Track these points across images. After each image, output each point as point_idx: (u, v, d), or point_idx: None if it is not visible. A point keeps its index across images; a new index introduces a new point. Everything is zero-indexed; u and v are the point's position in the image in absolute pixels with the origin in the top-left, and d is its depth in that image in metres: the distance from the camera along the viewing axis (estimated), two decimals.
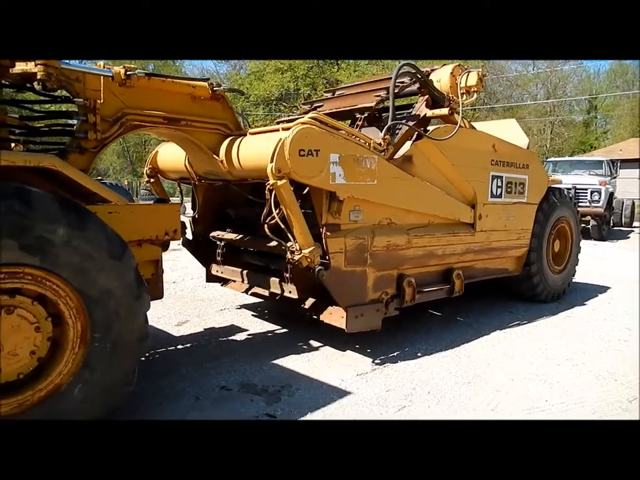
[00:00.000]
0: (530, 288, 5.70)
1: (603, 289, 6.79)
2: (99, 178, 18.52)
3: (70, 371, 2.42)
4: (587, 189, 13.41)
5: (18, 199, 2.17)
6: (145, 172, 4.75)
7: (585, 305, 5.91)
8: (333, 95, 5.55)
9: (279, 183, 3.19)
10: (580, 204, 13.03)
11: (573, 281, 6.47)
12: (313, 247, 3.39)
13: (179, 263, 7.48)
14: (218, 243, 4.65)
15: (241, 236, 4.44)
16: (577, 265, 6.42)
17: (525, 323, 5.03)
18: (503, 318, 5.20)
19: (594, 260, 9.42)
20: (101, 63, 3.32)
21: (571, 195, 6.56)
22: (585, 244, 11.55)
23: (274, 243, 3.88)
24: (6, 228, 2.13)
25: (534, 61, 39.74)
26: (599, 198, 13.37)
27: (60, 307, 2.38)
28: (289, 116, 5.54)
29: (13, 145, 3.03)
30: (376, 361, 3.85)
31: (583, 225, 13.26)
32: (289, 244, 3.47)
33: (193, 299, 5.74)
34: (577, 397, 3.32)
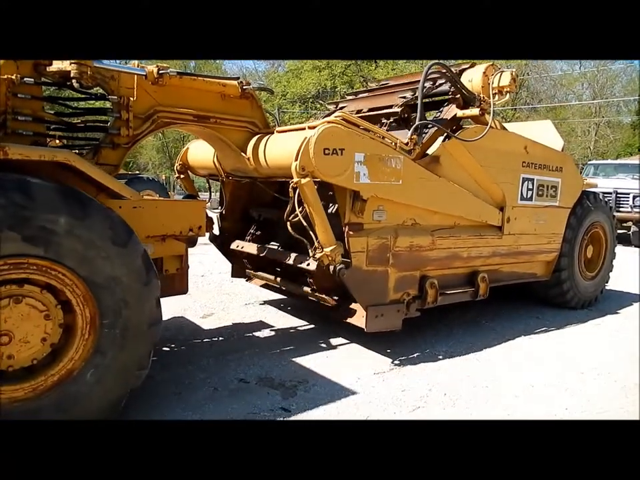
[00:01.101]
0: (560, 294, 5.57)
1: (638, 298, 6.56)
2: (138, 172, 19.04)
3: (81, 357, 2.49)
4: (628, 194, 12.91)
5: (18, 190, 2.20)
6: (175, 168, 4.89)
7: (617, 313, 5.73)
8: (356, 96, 5.55)
9: (303, 181, 3.23)
10: (621, 209, 12.61)
11: (607, 288, 6.29)
12: (334, 246, 3.42)
13: (208, 257, 7.66)
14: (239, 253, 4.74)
15: (260, 247, 4.49)
16: (611, 271, 6.23)
17: (552, 330, 4.93)
18: (528, 323, 5.10)
19: (632, 267, 9.09)
20: (135, 62, 3.45)
21: (607, 199, 6.35)
22: (625, 250, 11.23)
23: (293, 256, 3.94)
24: (7, 220, 2.16)
25: (580, 60, 38.52)
26: None
27: (67, 295, 2.44)
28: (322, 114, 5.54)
29: (48, 140, 3.18)
30: (394, 361, 3.86)
31: (623, 231, 12.90)
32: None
33: (219, 293, 5.87)
34: (599, 406, 3.25)
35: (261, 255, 4.45)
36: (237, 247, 4.72)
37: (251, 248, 4.58)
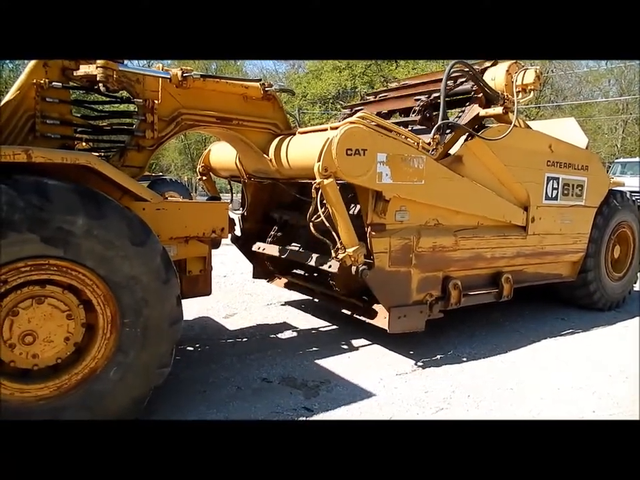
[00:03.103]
0: (586, 295, 5.46)
1: None
2: (160, 174, 19.30)
3: (104, 355, 2.53)
4: None
5: (35, 192, 2.22)
6: (197, 170, 4.95)
7: None
8: (375, 97, 5.51)
9: (326, 181, 3.23)
10: None
11: (635, 289, 6.14)
12: (357, 246, 3.41)
13: (230, 257, 7.73)
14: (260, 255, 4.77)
15: (282, 249, 4.51)
16: (639, 271, 6.08)
17: (578, 332, 4.83)
18: (554, 325, 5.01)
19: None
20: (160, 65, 3.50)
21: (635, 198, 6.19)
22: None
23: (315, 257, 3.96)
24: (26, 222, 2.18)
25: (580, 60, 37.75)
26: None
27: (88, 295, 2.48)
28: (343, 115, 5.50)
29: (76, 143, 3.25)
30: (417, 363, 3.84)
31: None
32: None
33: (242, 293, 5.92)
34: (626, 409, 3.18)
35: (283, 256, 4.47)
36: (259, 248, 4.75)
37: (272, 250, 4.60)
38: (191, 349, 4.00)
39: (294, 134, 3.79)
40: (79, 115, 3.29)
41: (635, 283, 6.09)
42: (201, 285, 3.52)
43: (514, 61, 4.61)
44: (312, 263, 4.08)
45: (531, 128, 4.94)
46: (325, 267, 3.88)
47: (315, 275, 4.74)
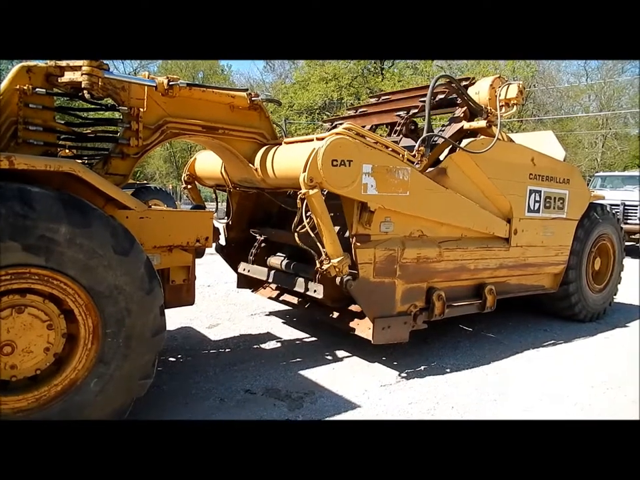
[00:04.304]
0: (568, 307, 5.53)
1: None
2: (145, 181, 19.15)
3: (84, 366, 2.47)
4: (636, 206, 12.84)
5: (18, 199, 2.17)
6: (182, 178, 4.92)
7: (626, 326, 5.67)
8: (356, 112, 5.54)
9: (311, 192, 3.24)
10: (629, 221, 12.54)
11: (616, 300, 6.24)
12: (341, 257, 3.42)
13: (215, 267, 7.67)
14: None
15: (267, 269, 4.57)
16: (619, 283, 6.18)
17: (560, 343, 4.88)
18: (536, 336, 5.06)
19: None
20: (146, 72, 3.49)
21: (615, 211, 6.32)
22: (634, 263, 11.14)
23: (300, 282, 4.06)
24: (8, 230, 2.14)
25: (587, 72, 38.63)
26: None
27: (69, 305, 2.42)
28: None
29: (59, 150, 3.21)
30: (401, 374, 3.83)
31: (631, 243, 12.81)
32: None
33: (225, 303, 5.87)
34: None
35: (269, 280, 4.49)
36: (244, 270, 4.76)
37: (257, 272, 4.63)
38: (173, 359, 3.95)
39: (280, 144, 3.80)
40: (62, 122, 3.25)
41: (615, 294, 6.19)
42: (185, 295, 3.48)
43: (497, 75, 4.70)
44: (298, 288, 4.10)
45: (513, 141, 5.01)
46: (310, 293, 3.91)
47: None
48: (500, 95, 4.47)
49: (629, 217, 12.68)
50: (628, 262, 6.70)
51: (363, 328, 3.82)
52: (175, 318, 4.81)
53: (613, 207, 7.46)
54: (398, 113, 4.50)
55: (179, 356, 4.02)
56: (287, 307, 5.29)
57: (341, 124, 5.16)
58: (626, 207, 12.77)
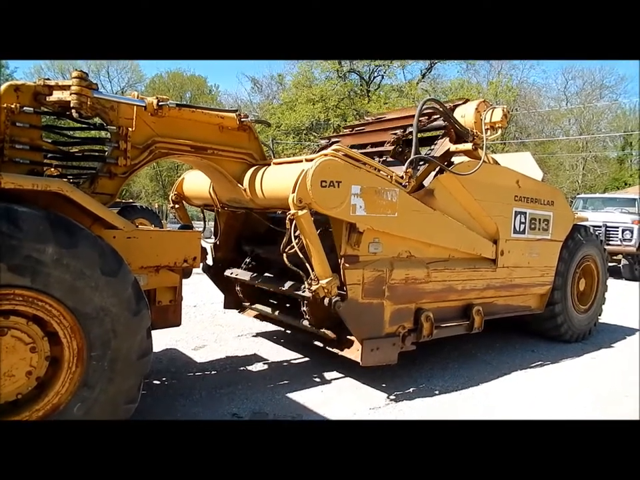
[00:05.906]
0: (554, 327, 5.57)
1: (632, 331, 6.57)
2: (131, 200, 19.03)
3: (68, 390, 2.40)
4: (618, 227, 13.09)
5: (5, 219, 2.13)
6: (170, 198, 4.89)
7: (611, 347, 5.72)
8: (352, 130, 5.62)
9: (300, 213, 3.23)
10: (611, 242, 12.76)
11: (600, 321, 6.30)
12: (330, 278, 3.40)
13: (201, 287, 7.59)
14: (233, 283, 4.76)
15: (255, 275, 4.52)
16: (603, 304, 6.25)
17: (548, 364, 4.89)
18: (524, 357, 5.07)
19: (624, 300, 9.13)
20: (135, 92, 3.49)
21: (598, 233, 6.43)
22: (616, 283, 11.30)
23: (288, 285, 3.93)
24: None
25: (567, 97, 39.66)
26: (631, 237, 13.01)
27: (54, 327, 2.36)
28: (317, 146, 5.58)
29: (45, 169, 3.17)
30: (390, 396, 3.79)
31: (614, 264, 13.01)
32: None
33: (212, 324, 5.80)
34: None
35: (255, 283, 4.43)
36: (231, 274, 4.70)
37: (244, 275, 4.56)
38: (158, 382, 3.86)
39: (269, 164, 3.80)
40: (49, 141, 3.22)
41: (600, 315, 6.25)
42: (171, 316, 3.43)
43: (482, 99, 4.80)
44: (284, 289, 4.05)
45: (499, 164, 5.09)
46: (299, 293, 3.85)
47: (287, 305, 4.69)
48: (485, 119, 4.55)
49: (611, 238, 12.91)
50: (610, 283, 6.78)
51: (352, 350, 3.79)
52: (161, 339, 4.72)
53: (595, 229, 7.58)
54: (394, 132, 4.55)
55: (164, 379, 3.93)
56: (274, 328, 5.24)
57: (337, 141, 5.25)
58: (608, 228, 13.01)
